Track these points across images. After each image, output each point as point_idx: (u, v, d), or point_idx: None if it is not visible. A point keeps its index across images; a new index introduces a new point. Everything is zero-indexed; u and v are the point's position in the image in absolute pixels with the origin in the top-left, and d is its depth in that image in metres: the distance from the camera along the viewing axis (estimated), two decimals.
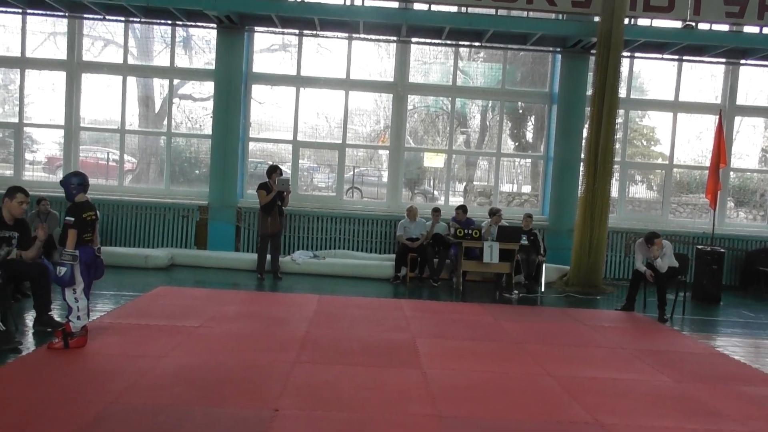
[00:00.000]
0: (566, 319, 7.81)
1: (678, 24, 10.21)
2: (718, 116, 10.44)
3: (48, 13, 10.55)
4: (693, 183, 12.27)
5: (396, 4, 10.29)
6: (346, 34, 10.81)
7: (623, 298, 8.71)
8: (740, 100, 11.54)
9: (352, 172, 11.76)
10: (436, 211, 10.18)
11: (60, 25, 10.99)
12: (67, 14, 10.50)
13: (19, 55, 10.92)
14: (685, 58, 11.09)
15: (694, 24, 10.08)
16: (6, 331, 5.29)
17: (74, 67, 10.97)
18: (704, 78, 11.63)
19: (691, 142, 12.01)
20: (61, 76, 11.02)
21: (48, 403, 4.09)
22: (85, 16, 10.63)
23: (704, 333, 7.62)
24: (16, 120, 11.11)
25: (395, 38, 10.82)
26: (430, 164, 12.03)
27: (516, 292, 9.23)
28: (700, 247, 10.16)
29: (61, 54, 10.99)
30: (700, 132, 11.95)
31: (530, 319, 7.63)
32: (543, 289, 9.67)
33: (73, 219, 5.18)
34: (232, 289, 8.53)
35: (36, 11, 10.53)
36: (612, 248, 10.96)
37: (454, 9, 10.14)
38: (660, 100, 11.64)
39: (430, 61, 11.72)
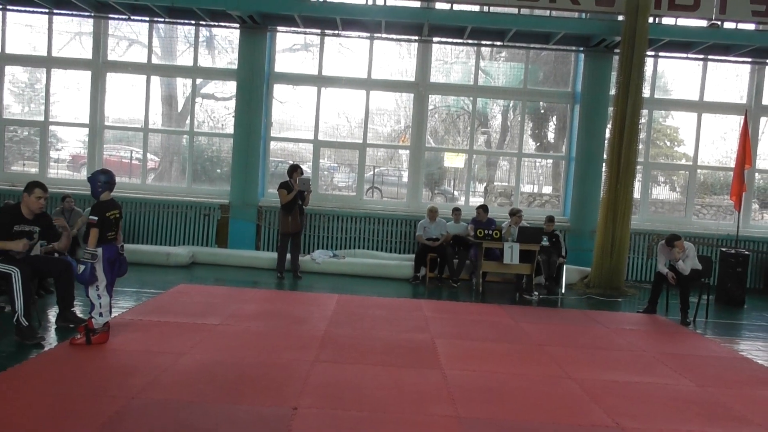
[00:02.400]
0: (587, 321, 7.74)
1: (703, 23, 10.09)
2: (743, 116, 10.26)
3: (74, 13, 10.72)
4: (717, 184, 12.09)
5: (418, 4, 10.29)
6: (368, 34, 10.82)
7: (645, 301, 8.62)
8: (766, 101, 11.33)
9: (372, 172, 11.77)
10: (457, 210, 10.15)
11: (86, 25, 11.15)
12: (92, 14, 10.65)
13: (45, 54, 11.10)
14: (710, 57, 10.94)
15: (719, 23, 9.95)
16: (29, 327, 5.37)
17: (99, 66, 11.12)
18: (729, 78, 11.45)
19: (715, 143, 11.83)
20: (86, 76, 11.18)
21: (70, 398, 4.15)
22: (111, 16, 10.77)
23: (728, 336, 7.49)
24: (41, 118, 11.30)
25: (417, 38, 10.80)
26: (451, 164, 12.00)
27: (536, 293, 9.16)
28: (724, 249, 9.99)
29: (87, 53, 11.16)
30: (725, 132, 11.76)
31: (551, 321, 7.57)
32: (564, 291, 9.59)
33: (96, 218, 5.25)
34: (252, 288, 8.58)
35: (62, 11, 10.70)
36: (634, 250, 10.84)
37: (476, 8, 10.10)
38: (684, 100, 11.48)
39: (451, 60, 11.69)
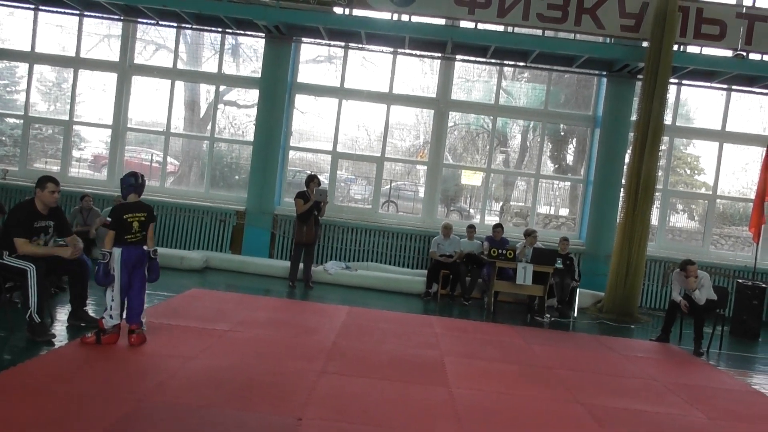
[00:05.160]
0: (598, 346, 7.66)
1: (729, 53, 10.01)
2: (765, 148, 10.16)
3: (104, 15, 10.92)
4: (736, 215, 11.95)
5: (442, 21, 10.33)
6: (391, 49, 10.88)
7: (658, 329, 8.52)
8: None
9: (389, 186, 11.78)
10: (471, 228, 10.14)
11: (114, 28, 11.34)
12: (122, 18, 10.83)
13: (73, 55, 11.30)
14: (734, 87, 10.86)
15: (745, 53, 9.88)
16: (41, 324, 5.40)
17: (125, 69, 11.29)
18: (753, 108, 11.35)
19: (736, 173, 11.73)
20: (112, 78, 11.35)
21: (78, 398, 4.17)
22: (140, 20, 10.95)
23: (741, 369, 7.38)
24: (66, 117, 11.47)
25: (440, 55, 10.86)
26: (468, 182, 11.99)
27: (548, 315, 9.10)
28: (740, 281, 9.86)
29: (114, 56, 11.34)
30: (746, 163, 11.65)
31: (561, 344, 7.50)
32: (576, 315, 9.51)
33: (110, 219, 5.31)
34: (264, 296, 8.61)
35: (92, 14, 10.91)
36: (649, 277, 10.72)
37: (500, 28, 10.14)
38: (706, 129, 11.39)
39: (473, 78, 11.71)
